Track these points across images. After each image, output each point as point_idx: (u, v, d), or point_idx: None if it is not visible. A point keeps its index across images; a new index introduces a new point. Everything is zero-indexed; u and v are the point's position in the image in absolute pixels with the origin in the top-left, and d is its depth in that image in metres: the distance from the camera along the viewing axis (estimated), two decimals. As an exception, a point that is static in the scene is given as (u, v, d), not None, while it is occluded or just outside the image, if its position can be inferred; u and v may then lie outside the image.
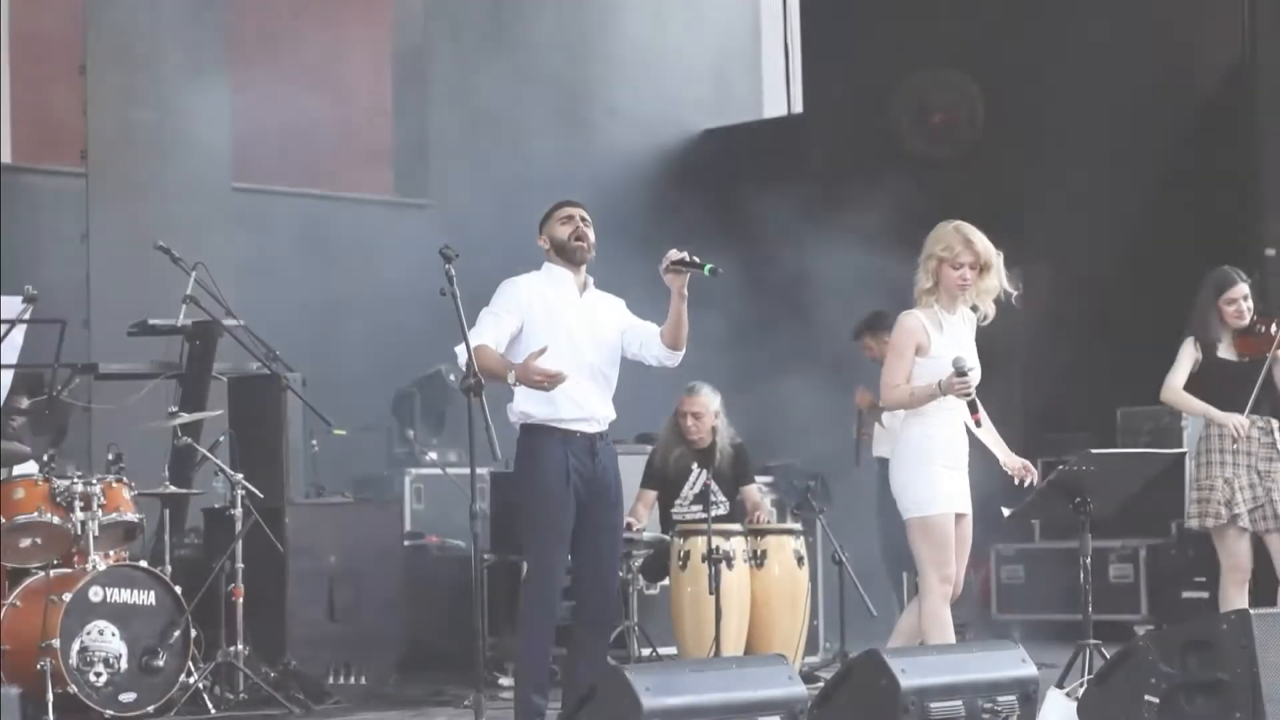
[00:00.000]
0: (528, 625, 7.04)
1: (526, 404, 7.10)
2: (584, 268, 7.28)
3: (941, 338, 7.16)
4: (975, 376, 7.11)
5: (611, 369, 7.25)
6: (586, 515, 7.10)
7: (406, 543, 10.76)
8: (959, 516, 7.19)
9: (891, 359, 7.19)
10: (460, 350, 6.92)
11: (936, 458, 7.13)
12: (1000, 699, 6.27)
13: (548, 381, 6.85)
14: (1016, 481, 7.28)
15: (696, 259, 6.96)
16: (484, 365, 6.90)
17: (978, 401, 7.11)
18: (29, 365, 7.69)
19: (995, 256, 7.18)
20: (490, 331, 7.07)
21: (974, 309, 7.28)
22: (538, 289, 7.21)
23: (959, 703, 6.19)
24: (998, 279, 7.19)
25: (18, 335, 7.53)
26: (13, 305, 7.52)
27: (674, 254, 6.99)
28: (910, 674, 6.13)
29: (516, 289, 7.19)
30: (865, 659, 6.23)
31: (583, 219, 7.29)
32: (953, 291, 7.20)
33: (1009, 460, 7.30)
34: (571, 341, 7.11)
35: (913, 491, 7.14)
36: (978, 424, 7.11)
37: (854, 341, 10.68)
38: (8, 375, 7.56)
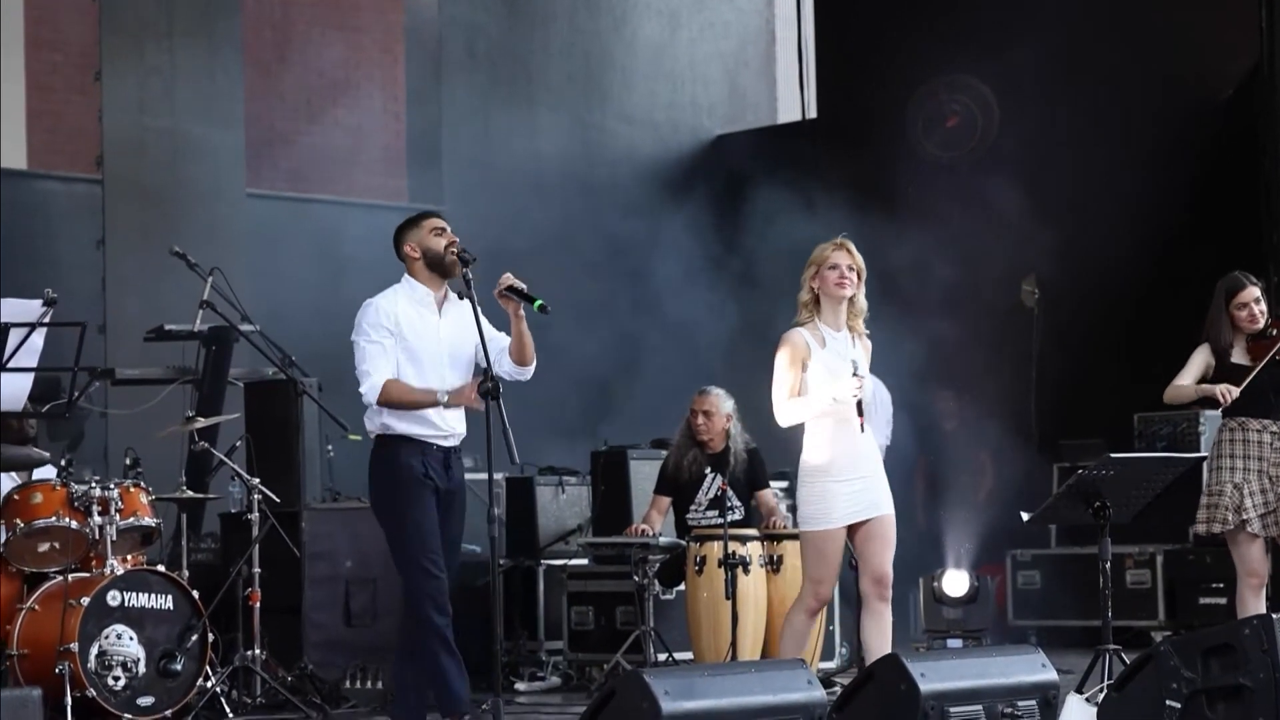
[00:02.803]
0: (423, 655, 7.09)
1: (390, 417, 7.12)
2: (446, 281, 7.21)
3: (824, 353, 7.22)
4: (867, 386, 7.27)
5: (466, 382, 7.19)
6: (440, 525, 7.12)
7: (422, 548, 10.74)
8: (863, 523, 7.25)
9: (778, 374, 7.28)
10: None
11: (831, 473, 7.23)
12: (1020, 704, 6.25)
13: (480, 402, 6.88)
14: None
15: (525, 289, 6.94)
16: (401, 398, 6.98)
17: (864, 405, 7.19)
18: (48, 368, 7.69)
19: (863, 272, 7.32)
20: (384, 363, 7.06)
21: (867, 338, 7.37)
22: (399, 310, 7.13)
23: (979, 707, 6.17)
24: (863, 298, 7.34)
25: (37, 339, 7.53)
26: (33, 309, 7.52)
27: (506, 279, 6.98)
28: (930, 678, 6.11)
29: (379, 313, 7.11)
30: (885, 663, 6.22)
31: (449, 230, 7.21)
32: (834, 294, 7.27)
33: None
34: (435, 365, 7.10)
35: (805, 507, 7.32)
36: (862, 428, 7.17)
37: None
38: (28, 379, 7.55)
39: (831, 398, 7.16)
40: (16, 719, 4.32)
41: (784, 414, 7.31)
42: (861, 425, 7.20)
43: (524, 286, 6.97)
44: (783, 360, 7.28)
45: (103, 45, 12.30)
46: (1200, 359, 8.42)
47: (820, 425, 7.24)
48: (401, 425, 7.10)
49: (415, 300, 7.14)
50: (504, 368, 7.15)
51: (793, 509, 10.67)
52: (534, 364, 7.19)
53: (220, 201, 12.51)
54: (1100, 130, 12.74)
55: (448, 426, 7.13)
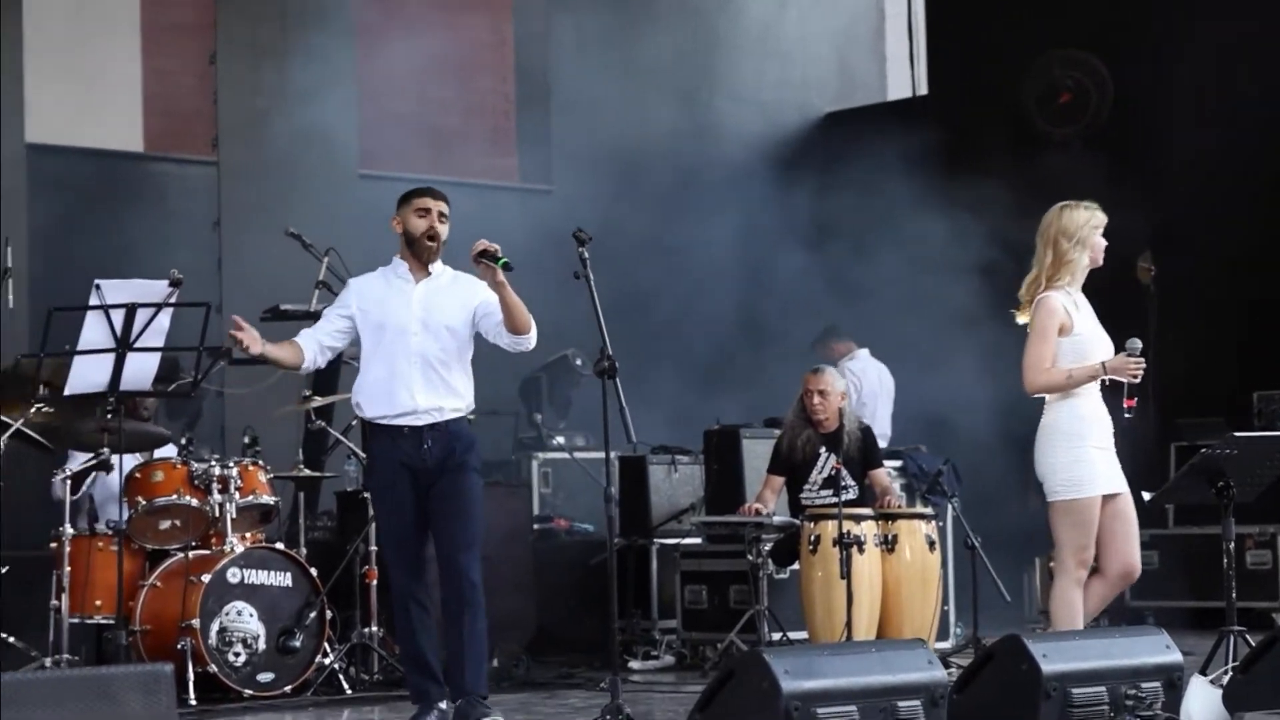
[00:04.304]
0: (395, 618, 7.18)
1: (356, 396, 7.20)
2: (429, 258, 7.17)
3: (1080, 316, 7.12)
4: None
5: (452, 358, 7.11)
6: (429, 506, 7.06)
7: (535, 526, 10.80)
8: (1112, 496, 7.11)
9: (1035, 342, 7.09)
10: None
11: (1088, 438, 7.06)
12: (1144, 685, 6.20)
13: (242, 339, 6.88)
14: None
15: (496, 251, 6.87)
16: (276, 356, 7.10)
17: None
18: (173, 348, 7.79)
19: None
20: (316, 328, 7.22)
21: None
22: (369, 285, 7.20)
23: (1102, 689, 6.13)
24: None
25: (164, 319, 7.62)
26: (159, 289, 7.61)
27: (478, 245, 6.92)
28: (1052, 659, 6.08)
29: (349, 289, 7.28)
30: (1006, 643, 6.18)
31: (440, 215, 7.16)
32: (1097, 261, 7.18)
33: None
34: (401, 334, 7.06)
35: (1063, 473, 7.06)
36: (1128, 410, 7.02)
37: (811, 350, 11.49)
38: (154, 359, 7.65)
39: (1101, 365, 7.00)
40: (149, 693, 4.37)
41: (1040, 383, 7.07)
42: (1129, 409, 6.98)
43: (495, 249, 6.89)
44: (1043, 325, 7.06)
45: (218, 28, 12.42)
46: None
47: (1082, 388, 7.04)
48: (367, 409, 7.16)
49: (393, 274, 7.18)
50: (503, 340, 7.10)
51: (907, 489, 10.65)
52: (533, 331, 7.09)
53: (333, 182, 12.59)
54: (1214, 102, 12.58)
55: (410, 404, 7.04)
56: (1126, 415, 7.05)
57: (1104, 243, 7.22)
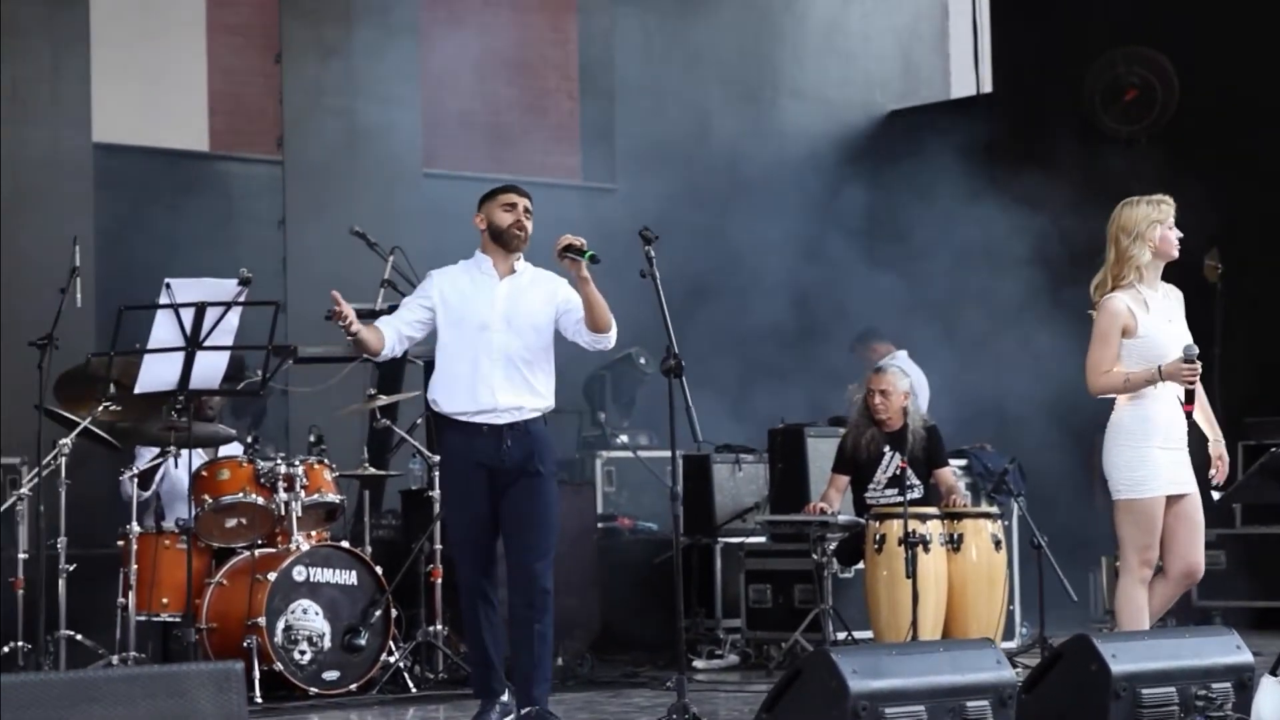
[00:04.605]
0: (462, 612, 7.17)
1: (432, 392, 7.12)
2: (515, 255, 7.15)
3: (1149, 317, 7.06)
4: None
5: (535, 355, 7.07)
6: (503, 507, 7.01)
7: (599, 525, 10.80)
8: (1178, 497, 7.07)
9: (1096, 344, 7.08)
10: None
11: (1152, 438, 7.02)
12: (1214, 686, 6.15)
13: (345, 312, 6.77)
14: (1212, 473, 7.16)
15: (582, 245, 6.85)
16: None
17: (1197, 391, 6.99)
18: (242, 347, 7.82)
19: None
20: (395, 316, 7.14)
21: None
22: (452, 278, 7.15)
23: (1172, 689, 6.09)
24: None
25: (234, 318, 7.65)
26: (228, 288, 7.64)
27: (562, 239, 6.89)
28: (1122, 659, 6.04)
29: (431, 280, 7.19)
30: (1075, 643, 6.14)
31: (526, 210, 7.14)
32: (1170, 255, 7.12)
33: (1213, 447, 7.18)
34: (483, 330, 7.02)
35: (1126, 472, 7.04)
36: (1189, 414, 6.98)
37: (850, 353, 11.54)
38: (223, 358, 7.68)
39: (1158, 369, 6.95)
40: (221, 691, 4.39)
41: (1100, 385, 7.07)
42: (1190, 413, 6.94)
43: (581, 242, 6.89)
44: (1104, 328, 7.04)
45: (283, 28, 12.47)
46: None
47: (1149, 388, 7.00)
48: (443, 403, 7.08)
49: (476, 269, 7.14)
50: (582, 338, 7.07)
51: (972, 488, 10.59)
52: (614, 329, 7.04)
53: (398, 181, 12.63)
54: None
55: (491, 401, 7.00)
56: (1186, 420, 7.02)
57: (1174, 234, 7.15)
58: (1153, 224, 7.10)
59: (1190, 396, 6.97)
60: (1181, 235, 7.19)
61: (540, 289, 7.14)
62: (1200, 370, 6.96)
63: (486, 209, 7.15)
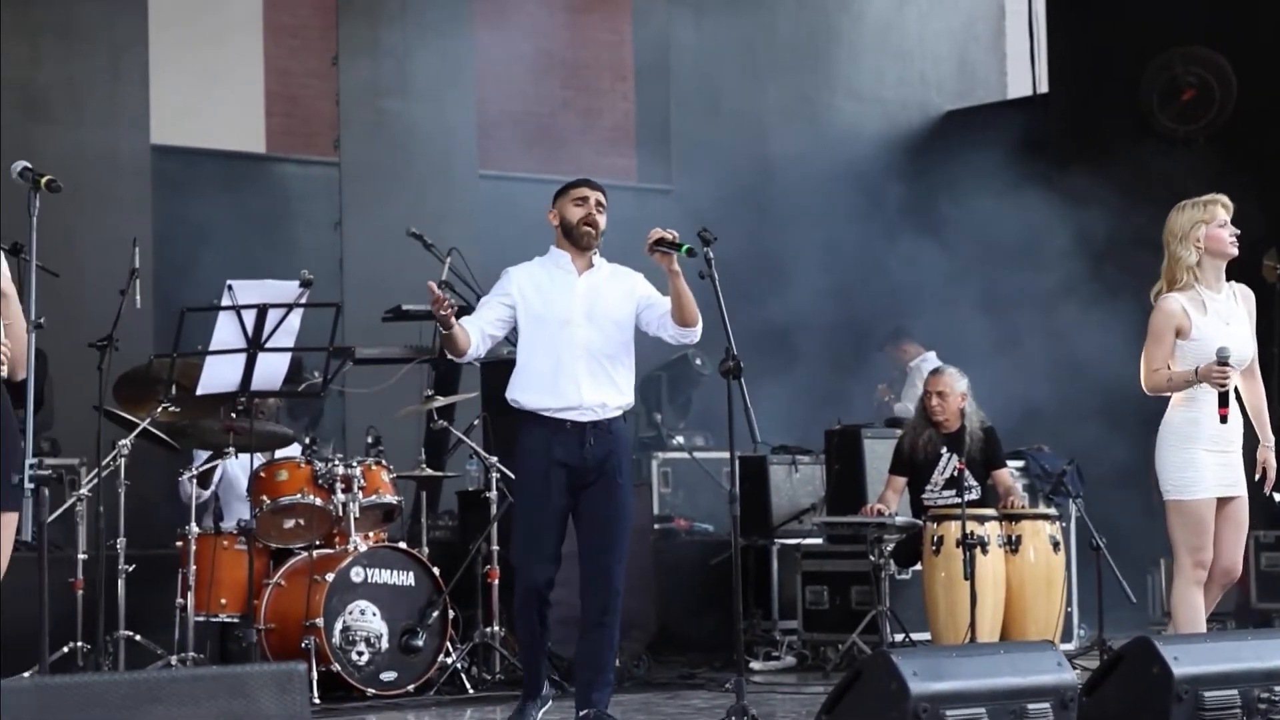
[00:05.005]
0: (516, 613, 7.15)
1: (513, 389, 7.04)
2: (590, 250, 7.09)
3: (1205, 319, 7.03)
4: (1239, 364, 6.97)
5: (618, 351, 7.01)
6: (581, 506, 6.96)
7: (655, 526, 10.80)
8: (1226, 500, 7.05)
9: (1149, 344, 7.10)
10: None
11: (1200, 440, 7.01)
12: (1277, 689, 6.12)
13: (445, 301, 6.69)
14: (1256, 476, 7.13)
15: (675, 238, 6.81)
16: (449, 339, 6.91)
17: (1231, 396, 6.94)
18: (302, 348, 7.84)
19: None
20: (476, 316, 7.05)
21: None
22: (530, 274, 7.07)
23: (1234, 692, 6.06)
24: None
25: (295, 320, 7.67)
26: (290, 290, 7.66)
27: (654, 233, 6.83)
28: (1183, 661, 6.01)
29: (509, 277, 7.10)
30: (1137, 645, 6.11)
31: (598, 204, 7.06)
32: (1225, 253, 7.08)
33: (1261, 452, 7.15)
34: (565, 325, 6.96)
35: (1175, 474, 7.04)
36: (1223, 419, 6.94)
37: (879, 352, 11.58)
38: (285, 359, 7.71)
39: (1194, 371, 6.94)
40: (283, 692, 4.40)
41: (1151, 383, 7.08)
42: (1224, 417, 6.91)
43: (674, 235, 6.85)
44: (1157, 328, 7.04)
45: (339, 29, 12.52)
46: None
47: (1200, 390, 6.99)
48: (525, 399, 7.01)
49: (554, 265, 7.09)
50: (667, 331, 7.02)
51: (1030, 489, 10.55)
52: (699, 325, 6.99)
53: (454, 182, 12.65)
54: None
55: (575, 398, 6.94)
56: (1221, 424, 6.96)
57: (1226, 232, 7.10)
58: (1197, 224, 7.08)
59: (1224, 400, 6.93)
60: (1238, 233, 7.15)
61: (620, 284, 7.10)
62: (1230, 373, 6.92)
63: (559, 204, 7.11)
